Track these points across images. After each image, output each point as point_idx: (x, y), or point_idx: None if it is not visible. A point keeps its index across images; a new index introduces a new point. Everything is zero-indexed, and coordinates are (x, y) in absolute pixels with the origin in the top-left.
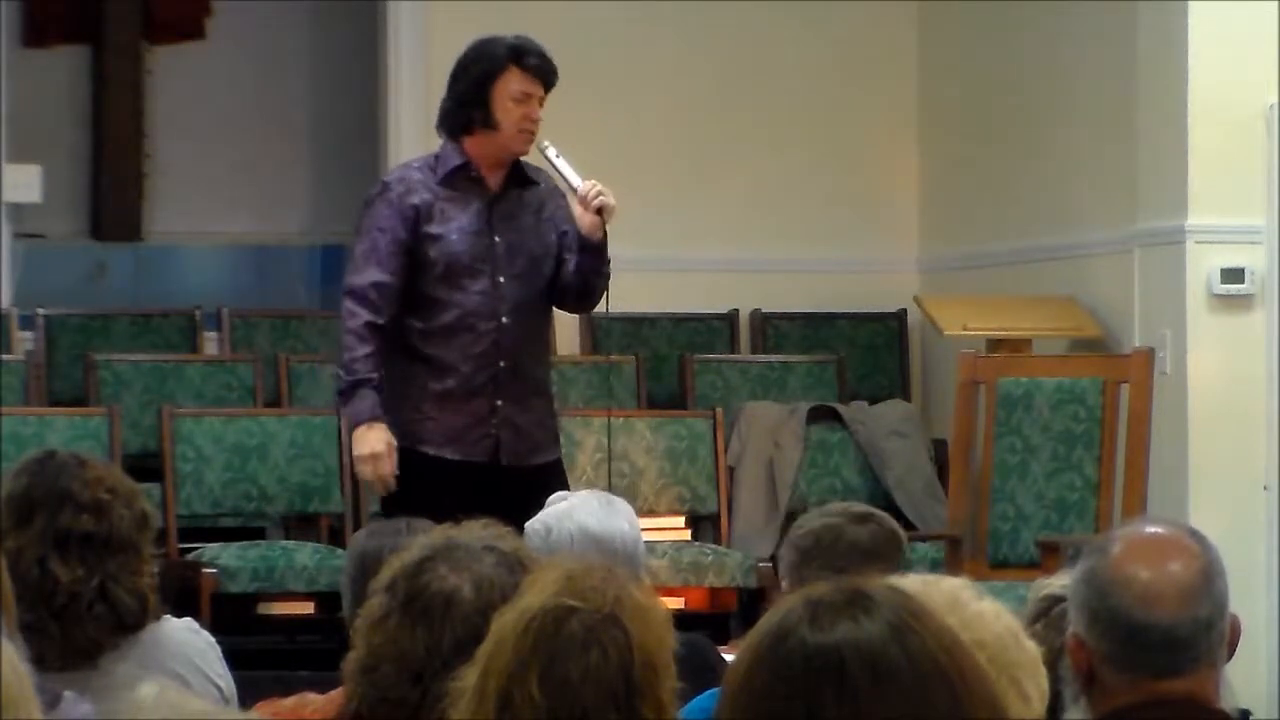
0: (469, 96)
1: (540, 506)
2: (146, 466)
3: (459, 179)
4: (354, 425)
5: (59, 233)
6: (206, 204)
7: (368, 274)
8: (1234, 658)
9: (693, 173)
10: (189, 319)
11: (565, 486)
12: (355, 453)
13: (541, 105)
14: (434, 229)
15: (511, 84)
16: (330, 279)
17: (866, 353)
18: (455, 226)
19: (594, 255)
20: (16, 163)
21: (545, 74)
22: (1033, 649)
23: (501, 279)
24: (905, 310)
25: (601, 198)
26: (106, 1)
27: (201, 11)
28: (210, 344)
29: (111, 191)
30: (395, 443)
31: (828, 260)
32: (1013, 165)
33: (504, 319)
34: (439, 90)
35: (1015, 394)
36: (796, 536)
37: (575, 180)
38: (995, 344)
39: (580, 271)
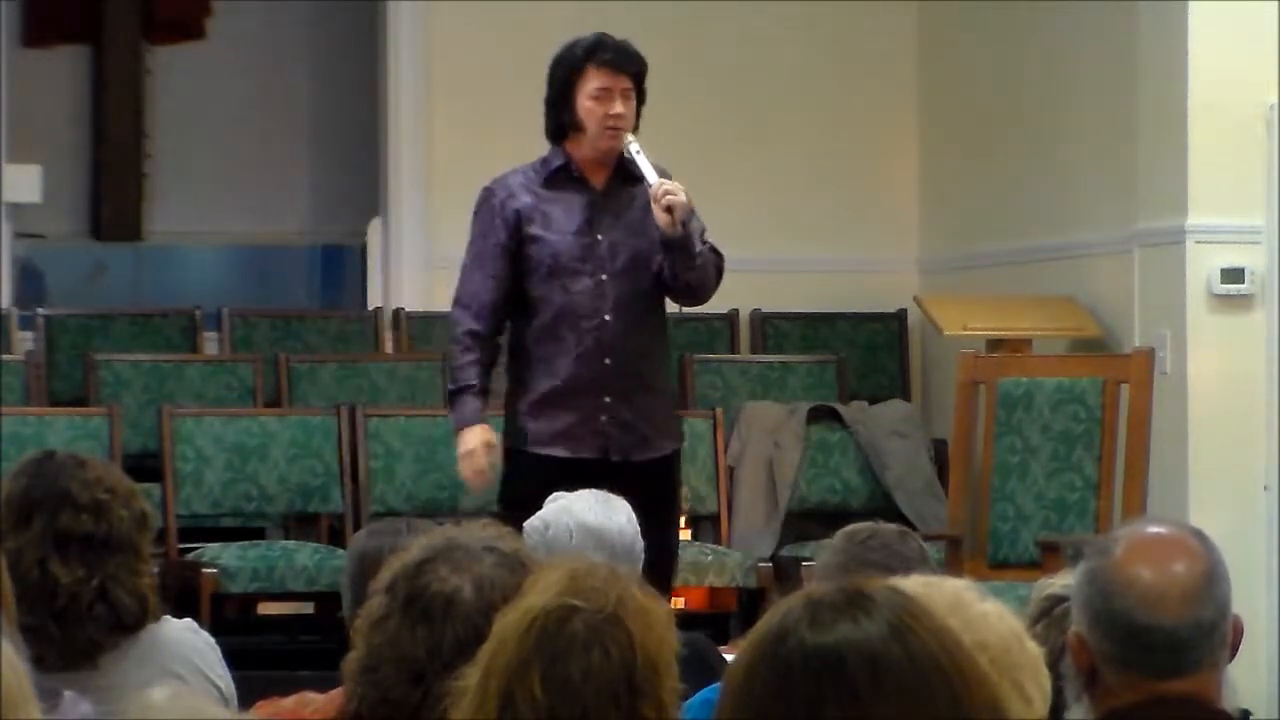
0: (557, 101)
1: (653, 501)
2: (146, 466)
3: (561, 179)
4: (457, 430)
5: (59, 233)
6: (206, 204)
7: (470, 282)
8: (1235, 658)
9: (692, 173)
10: (189, 319)
11: (679, 482)
12: (458, 453)
13: (638, 98)
14: (536, 230)
15: (590, 82)
16: (330, 279)
17: (866, 353)
18: (557, 227)
19: (671, 251)
20: (16, 163)
21: (621, 65)
22: (1035, 650)
23: (605, 277)
24: (905, 310)
25: (670, 196)
26: (106, 1)
27: (201, 11)
28: (210, 344)
29: (111, 191)
30: (493, 441)
31: (828, 260)
32: (1013, 165)
33: (607, 316)
34: (439, 90)
35: (1015, 394)
36: (835, 540)
37: (651, 177)
38: (995, 344)
39: (669, 268)
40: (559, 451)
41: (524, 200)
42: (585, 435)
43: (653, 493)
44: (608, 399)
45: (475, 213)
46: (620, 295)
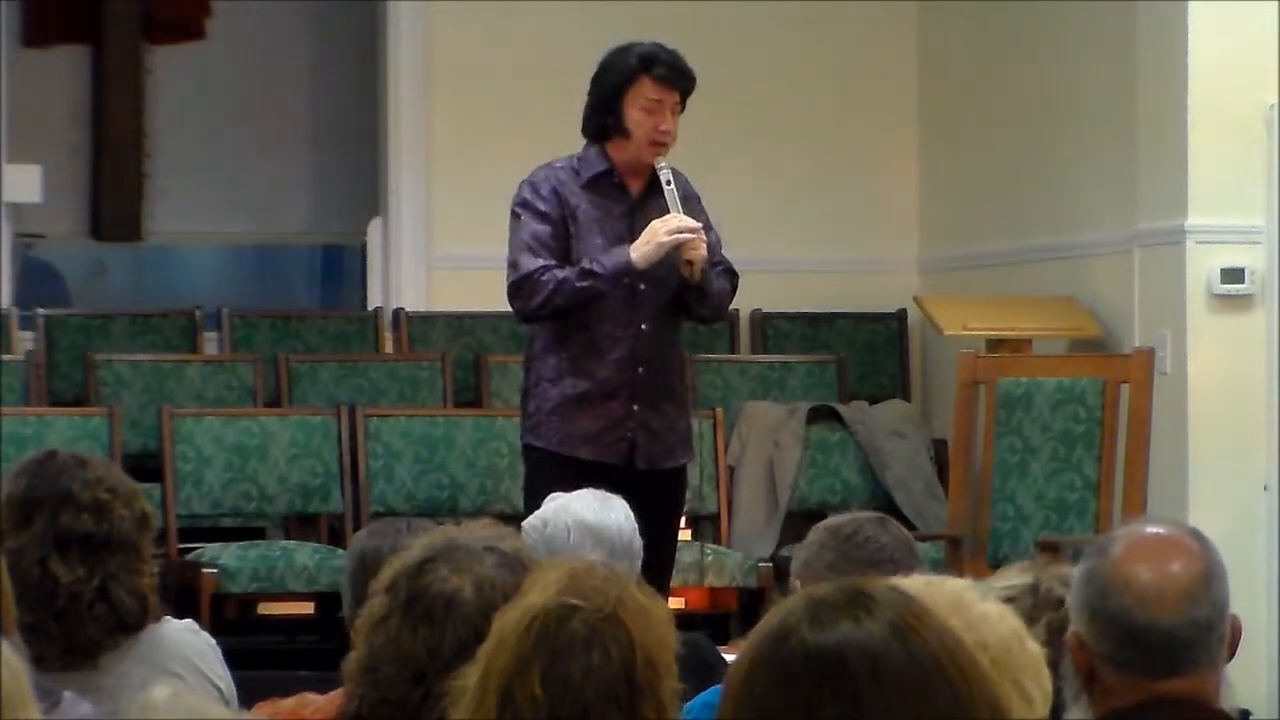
0: (603, 104)
1: (663, 506)
2: (146, 466)
3: (602, 184)
4: (626, 261)
5: (59, 233)
6: (206, 204)
7: (525, 263)
8: (1234, 658)
9: (692, 173)
10: (189, 319)
11: (685, 491)
12: (660, 245)
13: (681, 110)
14: (576, 231)
15: (642, 93)
16: (330, 279)
17: (866, 353)
18: (598, 232)
19: (689, 293)
20: (16, 163)
21: (676, 81)
22: (1036, 651)
23: (642, 286)
24: (905, 310)
25: (693, 251)
26: (106, 1)
27: (201, 11)
28: (210, 344)
29: (111, 191)
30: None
31: (828, 260)
32: (1013, 165)
33: (643, 325)
34: (439, 90)
35: (1015, 394)
36: (815, 536)
37: (676, 212)
38: (995, 344)
39: (687, 304)
40: (585, 455)
41: (566, 195)
42: (612, 441)
43: (664, 498)
44: (636, 406)
45: (520, 204)
46: (655, 304)
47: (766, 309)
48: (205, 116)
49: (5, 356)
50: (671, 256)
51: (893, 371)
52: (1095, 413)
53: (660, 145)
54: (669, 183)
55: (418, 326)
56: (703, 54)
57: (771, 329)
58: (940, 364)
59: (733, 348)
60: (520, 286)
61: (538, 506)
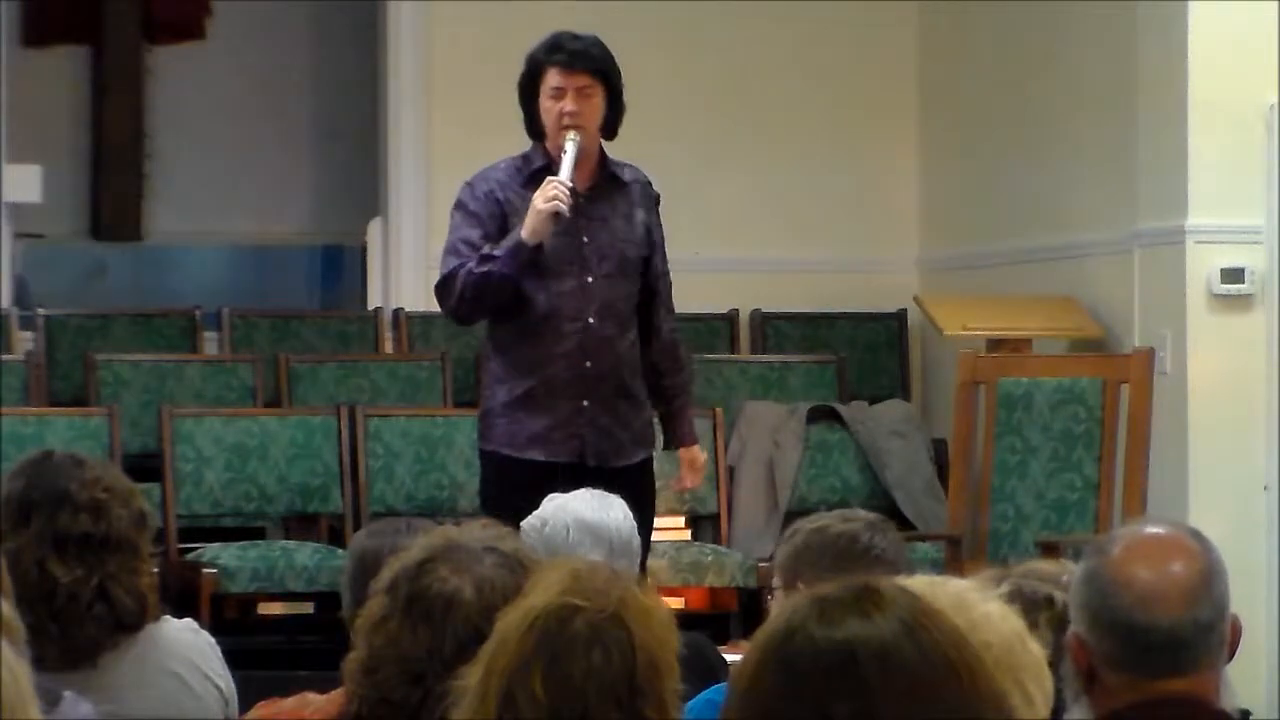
0: (524, 102)
1: (635, 506)
2: (146, 466)
3: (542, 179)
4: (517, 239)
5: (59, 233)
6: (206, 204)
7: (445, 265)
8: (1234, 658)
9: (692, 173)
10: (189, 319)
11: (653, 487)
12: (539, 214)
13: (611, 94)
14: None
15: (548, 82)
16: (330, 279)
17: (866, 353)
18: None
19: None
20: (16, 163)
21: (574, 64)
22: (1038, 651)
23: (590, 279)
24: (905, 310)
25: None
26: (106, 1)
27: (201, 11)
28: (210, 344)
29: (111, 191)
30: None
31: (828, 260)
32: (1013, 165)
33: (590, 319)
34: (439, 90)
35: (1015, 394)
36: (800, 535)
37: (565, 173)
38: (995, 344)
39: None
40: (535, 455)
41: (507, 195)
42: (562, 439)
43: (626, 498)
44: (586, 403)
45: (456, 206)
46: (605, 298)
47: (766, 309)
48: (205, 116)
49: (5, 356)
50: (624, 246)
51: (893, 371)
52: (1095, 413)
53: (570, 128)
54: (565, 152)
55: (418, 326)
56: (703, 54)
57: (771, 329)
58: (940, 364)
59: (733, 348)
60: (441, 288)
61: (493, 513)
